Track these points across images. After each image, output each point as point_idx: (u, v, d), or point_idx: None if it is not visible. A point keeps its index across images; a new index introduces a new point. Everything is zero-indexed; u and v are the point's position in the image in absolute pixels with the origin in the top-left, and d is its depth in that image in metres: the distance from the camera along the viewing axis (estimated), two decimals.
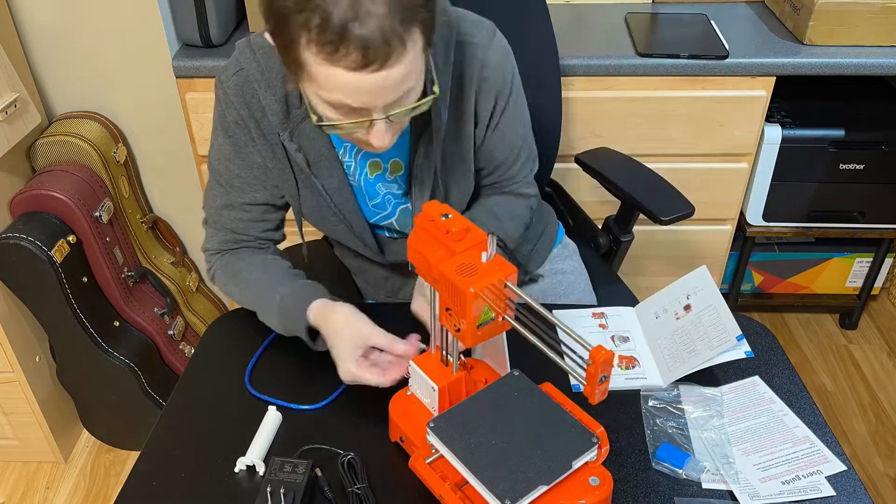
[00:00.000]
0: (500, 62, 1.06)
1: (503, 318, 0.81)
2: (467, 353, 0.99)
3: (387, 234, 1.19)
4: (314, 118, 0.88)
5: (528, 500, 0.77)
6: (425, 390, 0.91)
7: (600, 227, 1.51)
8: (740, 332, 1.00)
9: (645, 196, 1.37)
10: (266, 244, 1.17)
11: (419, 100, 0.89)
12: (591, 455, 0.81)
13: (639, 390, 1.01)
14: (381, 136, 0.88)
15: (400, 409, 0.93)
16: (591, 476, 0.80)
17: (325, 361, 1.07)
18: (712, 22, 1.86)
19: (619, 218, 1.45)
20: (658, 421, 0.96)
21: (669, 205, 1.33)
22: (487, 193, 1.20)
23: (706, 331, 1.03)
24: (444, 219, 0.82)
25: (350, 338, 0.97)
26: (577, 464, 0.80)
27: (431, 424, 0.84)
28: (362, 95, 0.82)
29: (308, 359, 1.07)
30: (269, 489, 0.85)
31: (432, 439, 0.84)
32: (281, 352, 1.09)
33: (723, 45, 1.74)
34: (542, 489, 0.77)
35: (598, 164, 1.49)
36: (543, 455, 0.80)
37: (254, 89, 1.01)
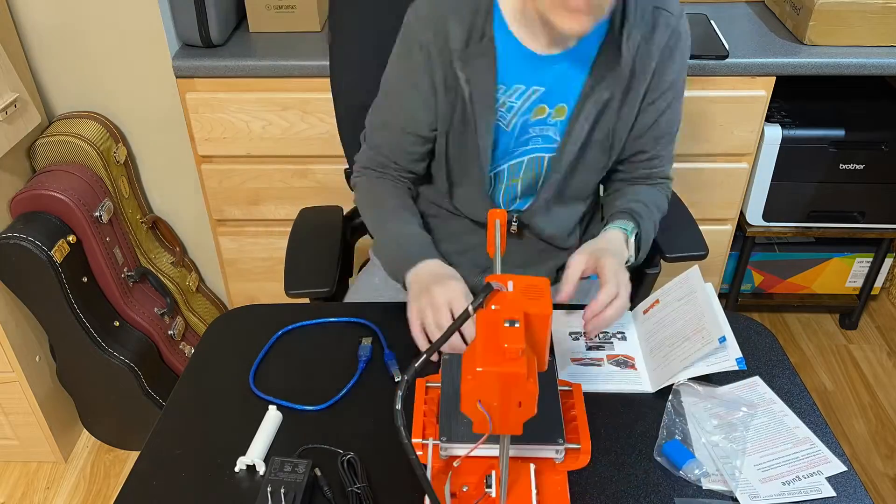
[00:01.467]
0: (688, 34, 1.13)
1: None
2: None
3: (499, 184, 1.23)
4: None
5: (461, 451, 0.84)
6: None
7: None
8: (723, 335, 0.98)
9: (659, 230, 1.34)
10: (406, 177, 1.23)
11: None
12: (550, 452, 0.84)
13: (643, 392, 1.01)
14: None
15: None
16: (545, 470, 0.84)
17: (328, 362, 1.07)
18: (712, 22, 1.86)
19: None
20: (678, 419, 0.95)
21: (680, 243, 1.30)
22: (636, 180, 1.24)
23: (692, 335, 1.01)
24: (508, 325, 0.70)
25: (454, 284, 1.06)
26: (528, 449, 0.84)
27: (446, 357, 0.93)
28: None
29: (311, 359, 1.07)
30: (269, 489, 0.85)
31: (441, 364, 0.93)
32: (283, 352, 1.09)
33: (723, 45, 1.74)
34: (482, 449, 0.83)
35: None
36: None
37: (444, 16, 1.06)
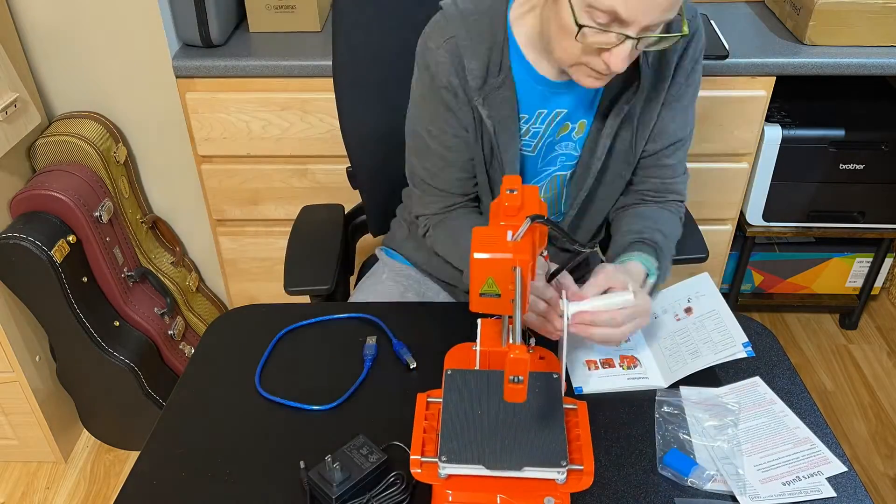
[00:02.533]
0: (702, 34, 1.10)
1: (511, 301, 0.83)
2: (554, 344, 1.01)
3: None
4: (573, 22, 0.91)
5: (462, 471, 0.81)
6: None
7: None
8: (746, 339, 1.00)
9: None
10: (475, 203, 1.22)
11: (667, 34, 0.94)
12: (552, 474, 0.81)
13: (644, 391, 1.01)
14: (623, 59, 0.92)
15: (455, 358, 0.97)
16: (549, 496, 0.81)
17: (331, 361, 1.07)
18: (712, 22, 1.86)
19: None
20: (670, 427, 0.95)
21: (681, 245, 1.28)
22: (646, 193, 1.21)
23: (710, 335, 1.03)
24: (508, 192, 0.86)
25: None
26: (530, 472, 0.81)
27: (449, 372, 0.90)
28: (634, 5, 0.87)
29: (313, 359, 1.07)
30: (329, 458, 0.86)
31: (444, 380, 0.90)
32: (285, 352, 1.09)
33: (723, 45, 1.74)
34: (480, 469, 0.80)
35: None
36: (508, 446, 0.82)
37: (461, 55, 1.05)
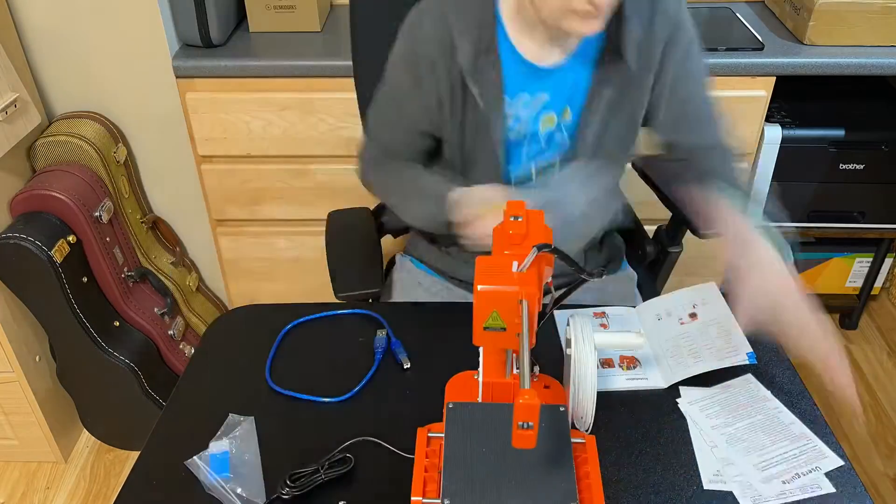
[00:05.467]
0: (689, 22, 1.11)
1: (517, 335, 0.79)
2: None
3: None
4: None
5: None
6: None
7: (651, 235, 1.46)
8: (752, 350, 1.00)
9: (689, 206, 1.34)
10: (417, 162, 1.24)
11: None
12: None
13: (643, 391, 1.01)
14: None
15: (456, 387, 0.94)
16: None
17: (335, 357, 1.07)
18: (739, 15, 1.85)
19: (669, 228, 1.41)
20: None
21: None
22: (706, 175, 1.19)
23: (713, 341, 1.03)
24: (513, 220, 0.83)
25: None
26: None
27: (451, 405, 0.85)
28: None
29: (318, 355, 1.07)
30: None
31: (446, 413, 0.84)
32: (289, 349, 1.09)
33: (756, 38, 1.74)
34: None
35: (652, 172, 1.44)
36: (515, 487, 0.77)
37: (450, 33, 1.07)
